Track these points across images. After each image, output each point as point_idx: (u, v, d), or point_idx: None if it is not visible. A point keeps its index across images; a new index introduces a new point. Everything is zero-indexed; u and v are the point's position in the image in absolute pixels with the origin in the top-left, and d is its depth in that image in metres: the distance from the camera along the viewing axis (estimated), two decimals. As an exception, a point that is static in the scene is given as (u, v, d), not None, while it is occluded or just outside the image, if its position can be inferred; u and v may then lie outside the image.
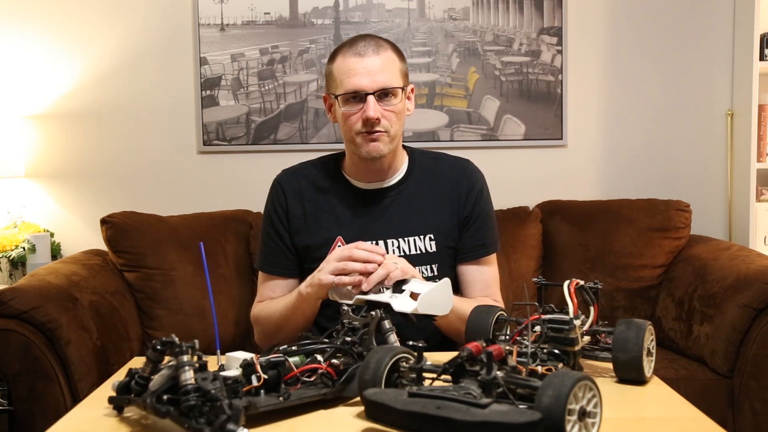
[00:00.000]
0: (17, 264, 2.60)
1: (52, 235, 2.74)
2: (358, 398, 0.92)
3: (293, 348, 1.06)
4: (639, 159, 2.88)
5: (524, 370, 0.91)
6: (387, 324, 1.15)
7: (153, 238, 2.42)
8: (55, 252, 2.73)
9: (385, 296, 1.21)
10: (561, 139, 2.85)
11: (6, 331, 1.86)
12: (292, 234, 1.58)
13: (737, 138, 2.79)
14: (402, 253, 1.50)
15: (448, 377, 0.91)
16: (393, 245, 1.50)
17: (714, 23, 2.84)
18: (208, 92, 2.81)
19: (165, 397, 0.89)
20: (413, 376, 0.94)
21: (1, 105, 2.78)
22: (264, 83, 2.82)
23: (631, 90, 2.87)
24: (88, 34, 2.81)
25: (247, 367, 0.96)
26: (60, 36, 2.80)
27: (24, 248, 2.58)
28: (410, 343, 0.96)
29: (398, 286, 1.22)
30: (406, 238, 1.51)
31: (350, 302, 1.21)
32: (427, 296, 1.18)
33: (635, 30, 2.85)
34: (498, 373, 0.84)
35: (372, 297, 1.21)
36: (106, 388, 1.12)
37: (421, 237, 1.52)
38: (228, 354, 1.00)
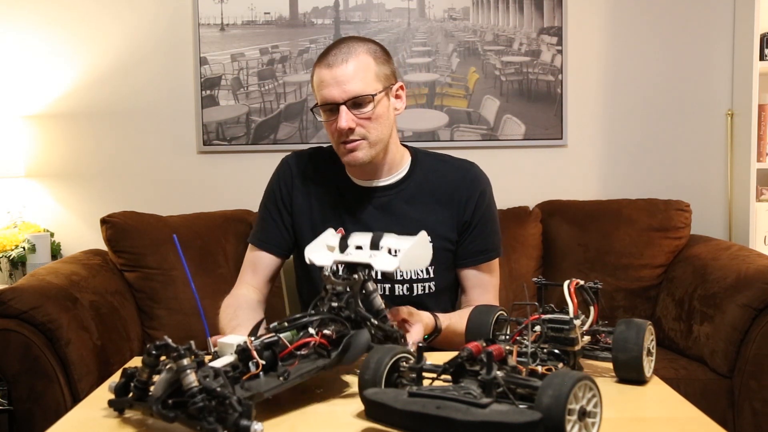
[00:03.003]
0: (17, 264, 2.60)
1: (52, 235, 2.74)
2: (358, 398, 0.92)
3: (284, 324, 1.04)
4: (639, 159, 2.88)
5: (524, 370, 0.91)
6: (371, 286, 1.13)
7: (153, 238, 2.42)
8: (55, 252, 2.73)
9: (364, 255, 1.17)
10: (561, 139, 2.85)
11: (6, 331, 1.86)
12: (294, 215, 1.58)
13: (737, 138, 2.79)
14: None
15: (448, 377, 0.91)
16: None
17: (714, 23, 2.84)
18: (208, 92, 2.82)
19: (170, 401, 0.88)
20: (413, 375, 0.94)
21: (1, 105, 2.78)
22: (264, 83, 2.82)
23: (631, 90, 2.87)
24: (88, 34, 2.81)
25: (243, 352, 0.95)
26: (60, 36, 2.80)
27: (24, 248, 2.58)
28: (410, 342, 0.96)
29: (375, 244, 1.19)
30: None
31: (328, 264, 1.18)
32: (409, 253, 1.16)
33: (635, 30, 2.85)
34: (498, 373, 0.84)
35: (350, 258, 1.18)
36: (106, 389, 1.12)
37: None
38: (220, 340, 0.98)
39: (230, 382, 0.90)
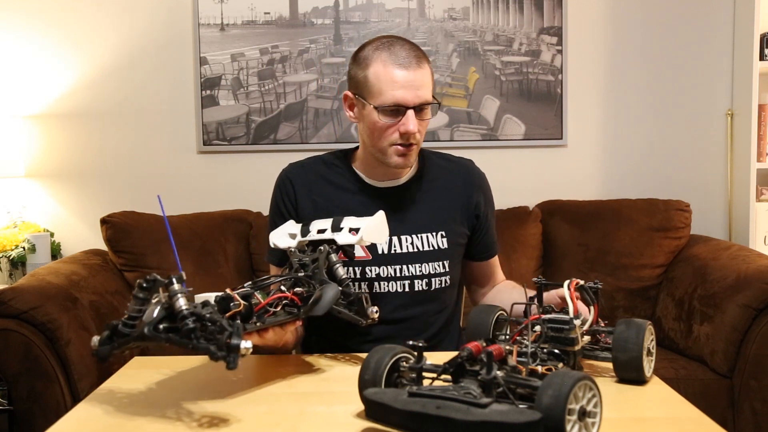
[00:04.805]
0: (17, 264, 2.60)
1: (52, 235, 2.74)
2: (358, 398, 0.92)
3: (254, 284, 1.13)
4: (639, 159, 2.88)
5: (524, 370, 0.91)
6: (334, 257, 1.22)
7: (153, 238, 2.42)
8: (55, 252, 2.73)
9: (327, 235, 1.27)
10: (561, 139, 2.85)
11: (6, 331, 1.86)
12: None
13: (737, 138, 2.79)
14: (415, 250, 1.52)
15: (448, 377, 0.91)
16: (406, 241, 1.51)
17: (714, 23, 2.84)
18: (208, 92, 2.82)
19: (161, 326, 0.92)
20: (413, 375, 0.94)
21: (1, 105, 2.79)
22: (264, 83, 2.82)
23: (631, 90, 2.87)
24: (88, 34, 2.81)
25: (223, 300, 1.02)
26: (60, 36, 2.81)
27: (24, 248, 2.58)
28: (410, 342, 0.96)
29: (336, 226, 1.28)
30: (419, 235, 1.52)
31: (293, 245, 1.27)
32: (369, 227, 1.25)
33: (635, 30, 2.85)
34: (498, 372, 0.84)
35: (314, 237, 1.27)
36: (106, 388, 1.12)
37: (434, 234, 1.53)
38: (197, 296, 1.03)
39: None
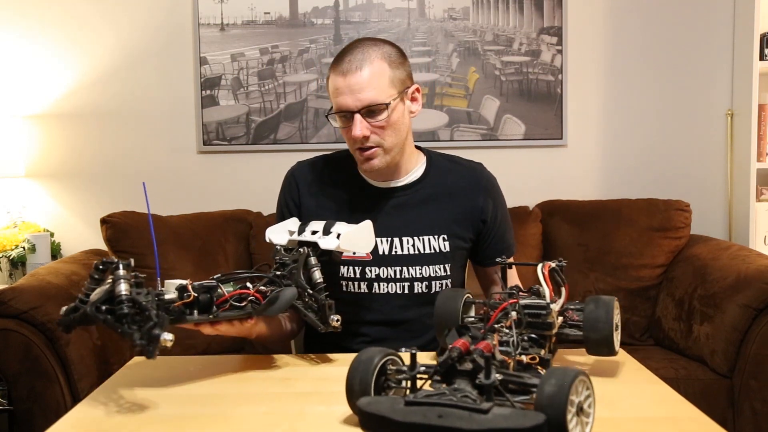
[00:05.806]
0: (17, 264, 2.60)
1: (52, 235, 2.74)
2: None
3: (224, 277, 1.16)
4: (639, 159, 2.88)
5: (511, 361, 0.92)
6: (313, 260, 1.27)
7: (153, 238, 2.42)
8: (55, 252, 2.73)
9: (315, 237, 1.31)
10: (561, 139, 2.85)
11: (6, 331, 1.86)
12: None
13: (737, 138, 2.79)
14: (416, 252, 1.51)
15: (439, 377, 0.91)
16: (408, 243, 1.51)
17: (714, 23, 2.84)
18: (208, 92, 2.82)
19: (104, 307, 0.97)
20: (400, 377, 0.93)
21: (1, 105, 2.79)
22: (264, 83, 2.82)
23: (631, 90, 2.87)
24: (88, 34, 2.81)
25: (182, 289, 1.07)
26: (60, 36, 2.81)
27: (24, 248, 2.58)
28: (403, 349, 0.95)
29: (327, 229, 1.32)
30: (420, 237, 1.52)
31: (283, 243, 1.31)
32: (349, 235, 1.28)
33: (635, 30, 2.85)
34: (497, 375, 0.84)
35: (302, 237, 1.32)
36: (107, 388, 1.12)
37: (435, 237, 1.52)
38: (167, 281, 1.09)
39: (162, 307, 1.01)
